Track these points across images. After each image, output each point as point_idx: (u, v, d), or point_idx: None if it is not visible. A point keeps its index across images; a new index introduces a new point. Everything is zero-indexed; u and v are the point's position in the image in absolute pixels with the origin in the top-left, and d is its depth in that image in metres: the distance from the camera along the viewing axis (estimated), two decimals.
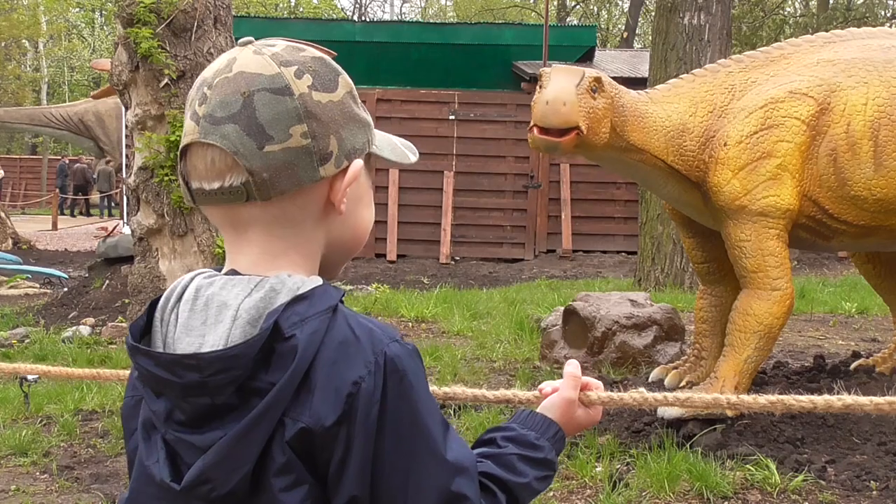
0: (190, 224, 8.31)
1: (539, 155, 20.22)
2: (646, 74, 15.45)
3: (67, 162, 44.28)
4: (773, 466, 5.48)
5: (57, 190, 39.51)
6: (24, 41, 52.77)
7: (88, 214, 39.21)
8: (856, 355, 7.54)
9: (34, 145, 57.17)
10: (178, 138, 8.35)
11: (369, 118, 1.79)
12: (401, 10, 69.14)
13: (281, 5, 57.58)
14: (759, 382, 6.60)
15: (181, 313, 1.63)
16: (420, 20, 56.79)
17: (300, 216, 1.68)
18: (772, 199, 5.80)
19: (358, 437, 1.54)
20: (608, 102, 5.74)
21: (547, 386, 2.08)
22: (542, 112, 5.56)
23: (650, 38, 17.77)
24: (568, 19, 51.27)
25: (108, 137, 31.70)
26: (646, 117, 5.96)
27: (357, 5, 63.68)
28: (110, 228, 22.73)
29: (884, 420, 5.96)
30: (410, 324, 10.84)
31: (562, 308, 8.63)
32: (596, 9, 55.74)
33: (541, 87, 5.71)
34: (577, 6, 53.62)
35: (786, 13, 32.82)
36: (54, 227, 30.55)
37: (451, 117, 20.37)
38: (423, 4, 69.40)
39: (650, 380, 6.72)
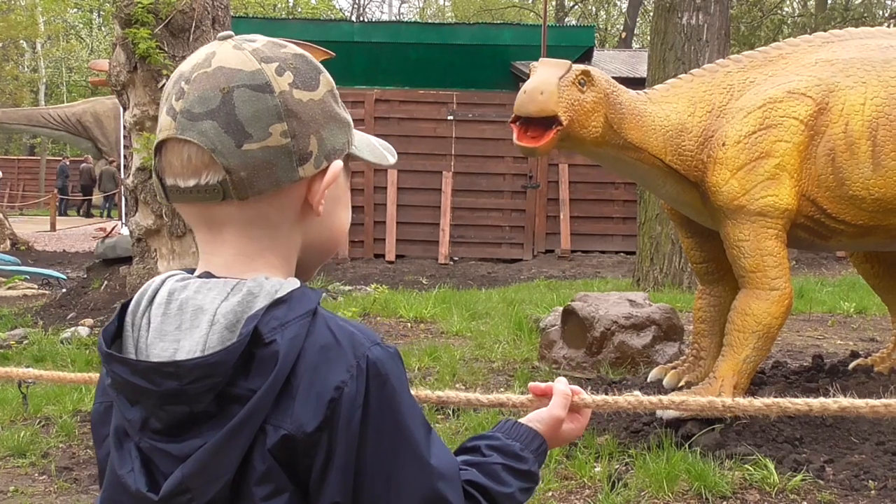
0: (189, 225, 8.32)
1: None
2: (644, 75, 15.45)
3: (68, 163, 44.24)
4: (771, 466, 5.48)
5: (55, 191, 39.50)
6: (21, 42, 52.77)
7: (89, 215, 39.13)
8: (854, 355, 7.54)
9: (32, 146, 57.17)
10: None
11: (349, 118, 1.73)
12: (399, 11, 69.17)
13: (279, 6, 57.56)
14: (757, 382, 6.61)
15: (153, 318, 1.59)
16: (418, 20, 56.78)
17: (277, 217, 1.65)
18: (770, 199, 5.80)
19: (340, 442, 1.52)
20: (599, 97, 5.73)
21: (538, 386, 2.08)
22: (519, 100, 5.58)
23: (648, 38, 17.77)
24: (566, 19, 51.27)
25: (107, 138, 31.72)
26: (644, 116, 5.97)
27: (355, 6, 63.72)
28: (109, 229, 22.73)
29: (882, 419, 5.96)
30: (409, 324, 10.84)
31: (560, 308, 8.62)
32: (594, 9, 55.74)
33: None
34: (576, 6, 53.62)
35: (784, 13, 32.81)
36: (52, 227, 30.54)
37: (450, 118, 20.37)
38: (421, 5, 69.44)
39: (649, 380, 6.72)
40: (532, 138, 5.60)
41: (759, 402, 2.12)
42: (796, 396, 2.21)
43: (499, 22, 43.22)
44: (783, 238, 5.91)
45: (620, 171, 6.64)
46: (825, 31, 6.57)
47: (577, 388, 2.10)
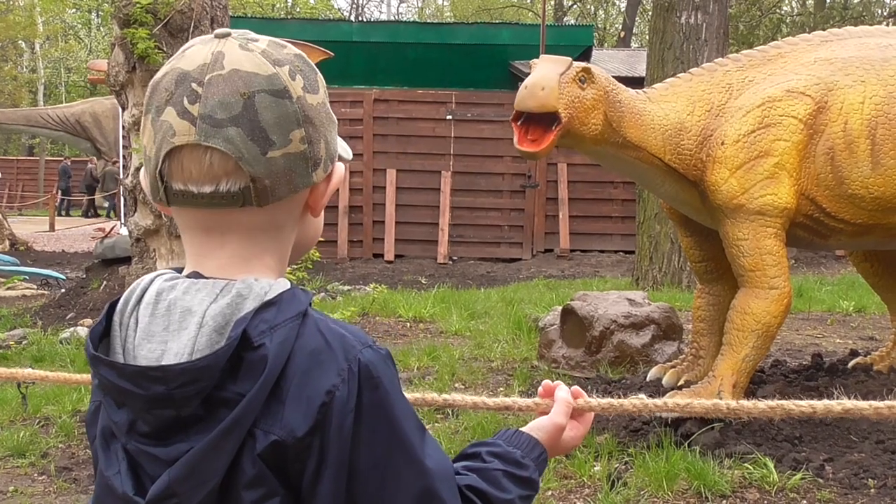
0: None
1: None
2: (643, 74, 15.45)
3: (70, 163, 44.19)
4: (771, 465, 5.48)
5: (54, 191, 39.48)
6: (20, 42, 52.74)
7: (96, 215, 39.05)
8: (853, 354, 7.55)
9: (31, 147, 57.17)
10: None
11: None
12: (398, 11, 69.17)
13: (277, 6, 57.56)
14: (757, 381, 6.61)
15: (141, 318, 1.57)
16: (417, 20, 56.77)
17: (284, 220, 1.64)
18: (769, 198, 5.80)
19: (332, 447, 1.51)
20: (599, 94, 5.74)
21: (548, 384, 2.08)
22: (519, 96, 5.58)
23: (647, 37, 17.77)
24: (565, 19, 51.26)
25: (105, 138, 31.71)
26: (643, 115, 5.97)
27: (354, 5, 63.67)
28: (108, 229, 22.73)
29: (882, 418, 5.96)
30: (408, 324, 10.84)
31: (560, 307, 8.62)
32: (593, 8, 55.75)
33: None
34: (574, 6, 53.62)
35: (783, 12, 32.82)
36: (51, 228, 30.53)
37: (449, 117, 20.36)
38: (419, 4, 69.43)
39: (648, 379, 6.72)
40: (532, 141, 5.61)
41: (764, 405, 2.12)
42: (796, 395, 2.22)
43: (497, 21, 43.18)
44: (782, 237, 5.91)
45: (619, 170, 6.65)
46: (824, 30, 6.57)
47: (578, 389, 2.09)
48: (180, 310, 1.54)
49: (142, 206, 8.54)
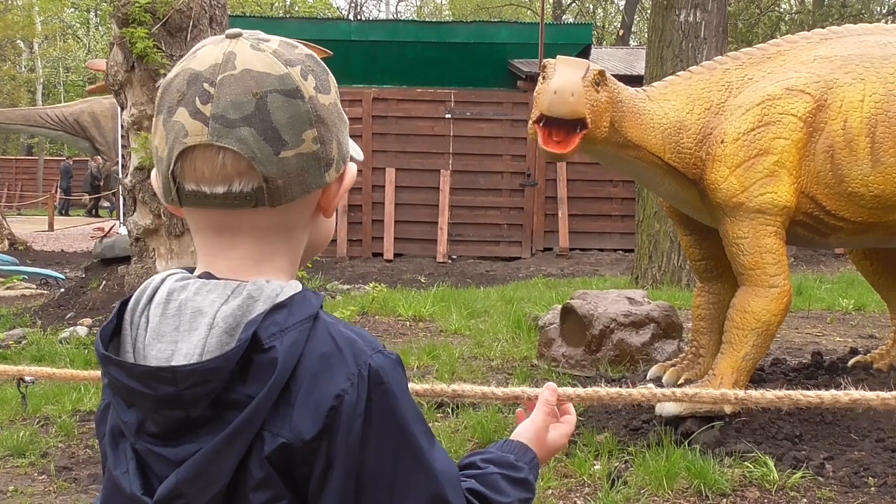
0: (187, 224, 8.31)
1: (535, 153, 20.19)
2: (642, 72, 15.44)
3: (71, 163, 44.12)
4: (771, 463, 5.48)
5: (53, 191, 39.47)
6: (18, 42, 52.71)
7: (97, 215, 38.98)
8: (853, 352, 7.55)
9: (30, 146, 57.14)
10: None
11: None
12: (396, 9, 69.12)
13: (276, 4, 57.54)
14: (756, 379, 6.61)
15: (152, 317, 1.57)
16: (416, 19, 56.76)
17: (296, 221, 1.65)
18: (769, 196, 5.80)
19: (340, 451, 1.51)
20: (610, 97, 5.75)
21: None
22: (549, 101, 5.53)
23: (646, 35, 17.77)
24: (564, 17, 51.26)
25: (104, 138, 31.69)
26: (643, 114, 5.96)
27: (353, 4, 63.62)
28: (107, 229, 22.73)
29: (881, 416, 5.97)
30: (408, 323, 10.84)
31: (559, 306, 8.62)
32: (592, 6, 55.74)
33: (544, 77, 5.71)
34: (573, 4, 53.62)
35: (781, 10, 32.82)
36: (50, 227, 30.51)
37: (448, 116, 20.36)
38: (418, 3, 69.39)
39: (648, 377, 6.72)
40: (557, 143, 5.61)
41: (771, 395, 2.12)
42: None
43: (496, 20, 43.17)
44: (782, 235, 5.91)
45: (619, 169, 6.64)
46: (823, 27, 6.57)
47: (553, 386, 2.07)
48: (191, 310, 1.54)
49: (141, 206, 8.54)
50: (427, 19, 56.65)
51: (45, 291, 15.53)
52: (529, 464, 1.89)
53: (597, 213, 20.53)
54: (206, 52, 1.59)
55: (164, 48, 8.53)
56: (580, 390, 2.14)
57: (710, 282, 6.57)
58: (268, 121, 1.54)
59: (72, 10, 59.17)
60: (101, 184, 37.34)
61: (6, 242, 22.81)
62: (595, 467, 5.71)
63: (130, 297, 1.64)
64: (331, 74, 1.68)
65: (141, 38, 8.47)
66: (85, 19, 61.48)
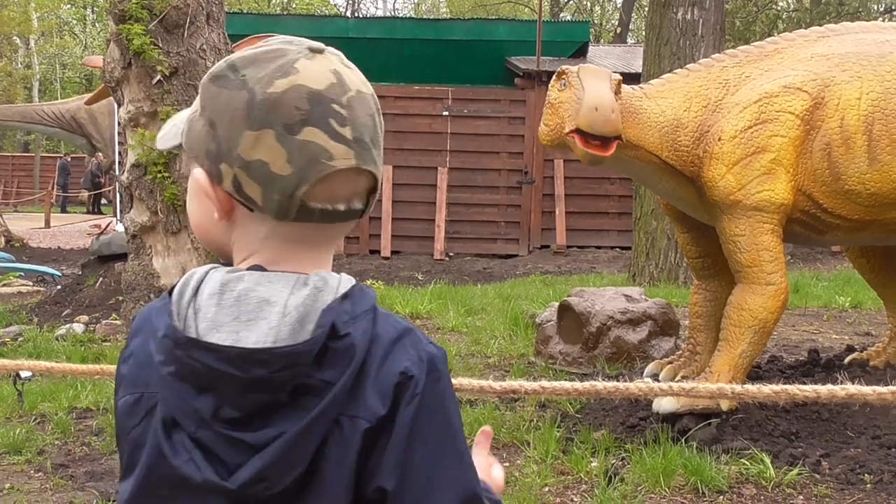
0: (184, 221, 8.30)
1: (533, 151, 20.22)
2: (639, 70, 15.44)
3: (69, 160, 44.02)
4: (767, 460, 5.49)
5: (50, 188, 39.39)
6: (15, 38, 52.68)
7: (99, 212, 38.86)
8: (850, 349, 7.56)
9: (26, 143, 57.12)
10: None
11: None
12: (394, 6, 69.08)
13: (274, 1, 57.51)
14: (753, 377, 6.61)
15: (205, 307, 1.57)
16: (413, 16, 56.75)
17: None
18: (766, 194, 5.81)
19: (398, 429, 1.56)
20: (622, 103, 5.82)
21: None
22: (590, 118, 5.61)
23: (644, 33, 17.76)
24: (561, 15, 51.26)
25: (101, 135, 31.72)
26: (640, 113, 5.97)
27: (350, 1, 63.62)
28: (104, 226, 22.71)
29: (877, 413, 5.97)
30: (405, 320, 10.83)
31: (556, 303, 8.63)
32: (589, 4, 55.73)
33: (566, 85, 5.78)
34: (571, 2, 53.62)
35: (779, 8, 32.81)
36: (47, 224, 30.49)
37: (445, 113, 20.35)
38: (416, 0, 69.34)
39: (645, 375, 6.72)
40: (596, 146, 5.69)
41: (769, 389, 2.13)
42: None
43: (493, 17, 43.16)
44: (779, 233, 5.91)
45: (617, 168, 6.65)
46: (820, 25, 6.57)
47: (487, 429, 2.04)
48: (255, 300, 1.56)
49: (138, 203, 8.54)
50: (424, 16, 56.66)
51: (41, 288, 15.51)
52: (494, 499, 1.92)
53: (594, 211, 20.52)
54: (311, 69, 1.60)
55: (160, 45, 8.52)
56: (577, 384, 2.15)
57: (707, 279, 6.58)
58: (380, 141, 1.64)
59: (68, 6, 59.15)
60: (102, 180, 37.29)
61: (2, 239, 22.78)
62: (592, 464, 5.72)
63: (172, 289, 1.64)
64: None
65: (138, 35, 8.47)
66: (82, 16, 61.43)
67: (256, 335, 1.54)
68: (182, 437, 1.56)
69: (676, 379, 6.38)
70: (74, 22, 61.95)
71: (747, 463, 5.51)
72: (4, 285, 15.67)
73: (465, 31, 23.87)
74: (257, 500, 1.55)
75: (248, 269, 1.63)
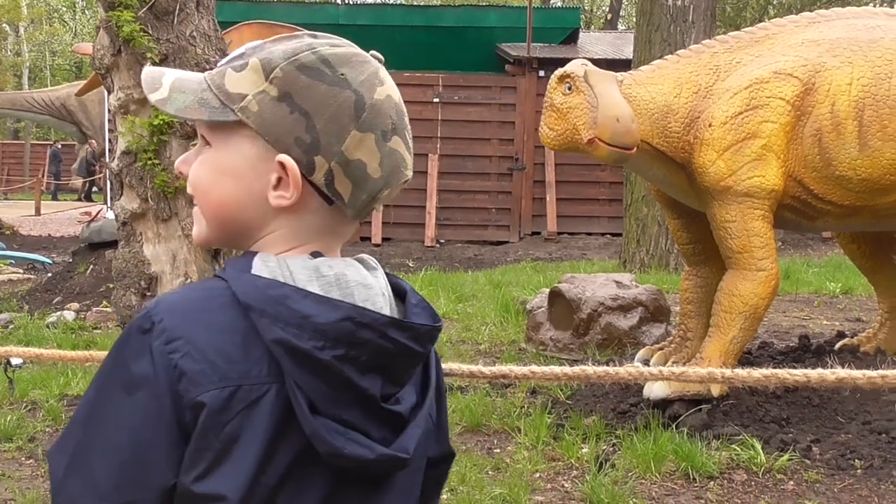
0: (174, 208, 8.26)
1: (524, 137, 20.21)
2: (630, 56, 15.43)
3: (60, 147, 43.82)
4: (758, 446, 5.50)
5: (40, 175, 39.25)
6: (4, 25, 52.50)
7: (90, 199, 38.67)
8: (840, 335, 7.57)
9: (16, 130, 56.93)
10: (161, 122, 8.29)
11: None
12: None
13: None
14: (744, 363, 6.62)
15: (326, 291, 1.62)
16: (403, 3, 56.63)
17: None
18: (757, 180, 5.81)
19: (439, 390, 1.78)
20: None
21: None
22: (613, 131, 5.69)
23: (634, 19, 17.75)
24: (552, 1, 51.20)
25: (91, 122, 31.61)
26: (630, 100, 5.97)
27: None
28: (94, 213, 22.66)
29: (868, 399, 5.99)
30: None
31: (547, 290, 8.64)
32: None
33: (572, 89, 5.83)
34: None
35: None
36: (37, 212, 30.41)
37: (436, 100, 20.33)
38: None
39: (636, 361, 6.73)
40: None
41: (759, 374, 2.13)
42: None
43: (484, 4, 43.08)
44: (770, 219, 5.92)
45: None
46: (811, 11, 6.57)
47: None
48: (354, 283, 1.63)
49: (128, 190, 8.51)
50: (415, 3, 56.55)
51: (32, 276, 15.48)
52: None
53: (585, 197, 20.50)
54: (389, 81, 1.71)
55: (150, 32, 8.47)
56: (567, 369, 2.15)
57: (697, 265, 6.58)
58: None
59: None
60: (97, 168, 37.16)
61: None
62: (583, 450, 5.73)
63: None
64: None
65: (127, 22, 8.41)
66: (71, 3, 61.17)
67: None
68: (323, 420, 1.56)
69: (667, 365, 6.39)
70: (64, 9, 61.70)
71: (738, 449, 5.53)
72: None
73: (455, 18, 23.83)
74: (411, 472, 1.70)
75: (311, 254, 1.68)
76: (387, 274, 1.73)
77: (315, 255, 1.66)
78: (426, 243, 19.82)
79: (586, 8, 53.09)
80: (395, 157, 1.67)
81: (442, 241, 20.17)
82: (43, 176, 39.02)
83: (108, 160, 14.84)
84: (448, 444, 1.85)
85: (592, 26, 47.79)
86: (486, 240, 20.32)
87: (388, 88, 1.68)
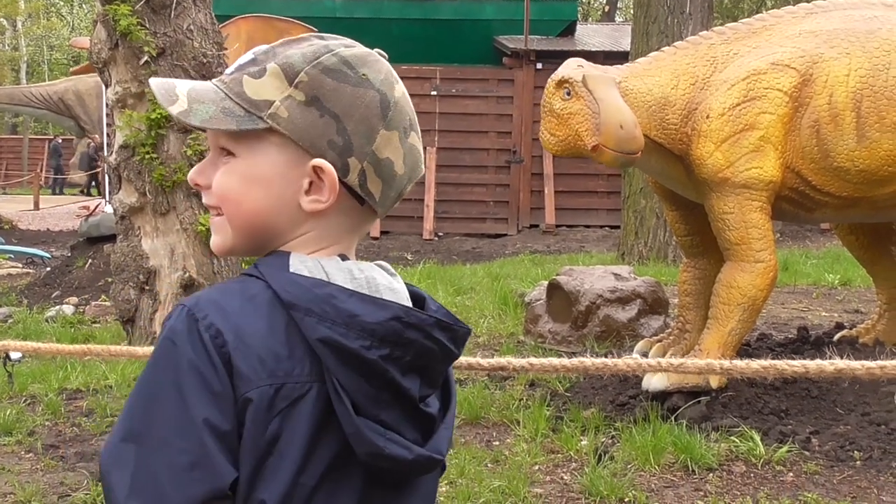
0: (172, 202, 8.26)
1: (521, 130, 20.20)
2: (627, 48, 15.40)
3: (60, 141, 43.70)
4: (757, 438, 5.50)
5: (39, 170, 39.20)
6: (2, 20, 52.44)
7: (88, 194, 38.58)
8: (839, 327, 7.57)
9: (14, 125, 56.87)
10: (158, 116, 8.29)
11: None
12: None
13: None
14: (743, 354, 6.62)
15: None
16: None
17: None
18: (755, 172, 5.80)
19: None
20: None
21: None
22: (618, 138, 5.69)
23: (632, 11, 17.74)
24: None
25: (89, 116, 31.55)
26: (627, 93, 5.97)
27: None
28: (92, 207, 22.64)
29: (867, 390, 5.99)
30: None
31: (545, 282, 8.63)
32: None
33: (571, 94, 5.84)
34: None
35: None
36: (36, 206, 30.38)
37: (433, 93, 20.32)
38: None
39: (634, 353, 6.73)
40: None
41: (757, 364, 2.13)
42: None
43: None
44: (768, 210, 5.92)
45: None
46: (808, 2, 6.56)
47: None
48: (383, 286, 1.63)
49: (126, 184, 8.50)
50: None
51: (30, 270, 15.48)
52: None
53: (583, 190, 20.50)
54: (400, 79, 1.74)
55: (147, 25, 8.47)
56: (566, 361, 2.16)
57: (696, 257, 6.58)
58: None
59: None
60: (98, 162, 37.06)
61: None
62: (582, 443, 5.73)
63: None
64: None
65: (124, 16, 8.40)
66: None
67: None
68: (364, 420, 1.55)
69: (666, 357, 6.39)
70: (61, 3, 61.67)
71: (737, 440, 5.53)
72: None
73: (452, 11, 23.80)
74: (433, 470, 1.70)
75: (340, 256, 1.69)
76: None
77: (342, 258, 1.66)
78: (424, 236, 19.82)
79: (583, 0, 53.03)
80: (414, 153, 1.70)
81: (440, 234, 20.16)
82: (41, 170, 38.98)
83: (106, 154, 14.83)
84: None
85: (590, 18, 47.77)
86: (484, 233, 20.32)
87: (402, 86, 1.70)
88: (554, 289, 8.22)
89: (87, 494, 5.22)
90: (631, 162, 5.92)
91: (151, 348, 1.74)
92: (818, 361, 2.07)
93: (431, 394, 1.64)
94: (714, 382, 5.94)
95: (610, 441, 5.75)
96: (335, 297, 1.55)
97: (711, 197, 5.94)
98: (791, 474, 5.23)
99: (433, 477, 1.73)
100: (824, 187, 5.95)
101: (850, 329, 7.24)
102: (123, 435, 1.51)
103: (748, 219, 5.83)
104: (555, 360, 2.17)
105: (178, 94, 1.64)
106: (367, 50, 1.70)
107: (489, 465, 5.49)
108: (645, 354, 6.57)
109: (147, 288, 8.37)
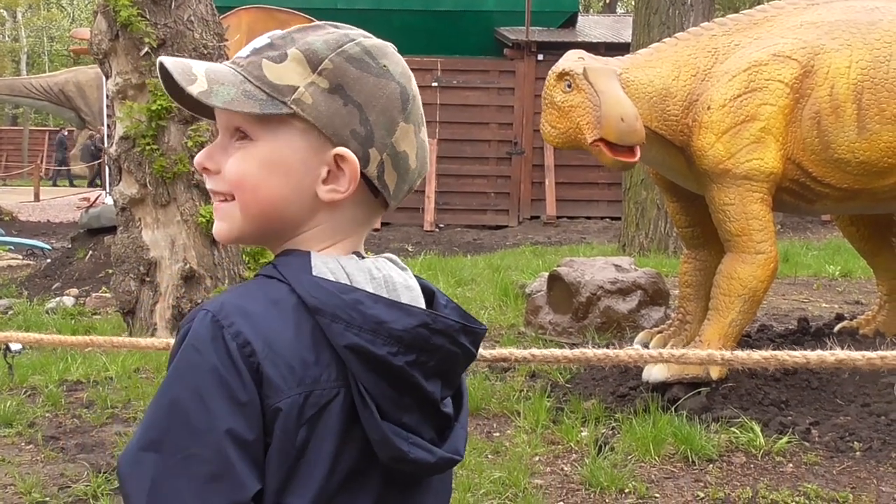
0: (172, 193, 8.26)
1: (522, 121, 20.19)
2: (629, 40, 15.38)
3: (66, 133, 43.64)
4: (757, 429, 5.50)
5: (39, 161, 39.19)
6: (2, 11, 52.41)
7: (93, 185, 38.51)
8: (839, 318, 7.57)
9: (15, 116, 56.87)
10: (159, 107, 8.29)
11: None
12: None
13: None
14: (743, 345, 6.62)
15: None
16: None
17: None
18: (755, 163, 5.80)
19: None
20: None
21: None
22: (619, 131, 5.64)
23: (633, 2, 17.71)
24: None
25: (90, 108, 31.60)
26: (628, 84, 5.96)
27: None
28: (93, 199, 22.64)
29: (867, 381, 5.99)
30: None
31: (546, 274, 8.64)
32: None
33: (572, 87, 5.81)
34: None
35: None
36: (36, 198, 30.39)
37: (434, 84, 20.31)
38: None
39: (635, 344, 6.73)
40: (623, 153, 5.74)
41: (758, 355, 2.13)
42: None
43: None
44: (768, 202, 5.91)
45: None
46: None
47: None
48: (400, 285, 1.64)
49: (127, 176, 8.50)
50: None
51: (31, 262, 15.49)
52: None
53: (584, 181, 20.50)
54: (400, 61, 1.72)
55: (148, 17, 8.47)
56: (567, 352, 2.16)
57: (696, 249, 6.58)
58: None
59: None
60: (102, 154, 37.00)
61: None
62: (582, 434, 5.73)
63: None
64: None
65: (125, 7, 8.40)
66: None
67: None
68: (389, 424, 1.55)
69: (666, 348, 6.39)
70: None
71: (737, 431, 5.53)
72: None
73: (453, 2, 23.77)
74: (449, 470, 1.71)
75: (353, 254, 1.68)
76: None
77: (357, 255, 1.66)
78: (425, 228, 19.82)
79: None
80: (423, 148, 1.70)
81: (441, 225, 20.17)
82: (42, 162, 38.95)
83: (107, 145, 14.83)
84: None
85: (591, 10, 47.69)
86: (485, 224, 20.32)
87: (415, 83, 1.69)
88: (555, 280, 8.22)
89: (87, 486, 5.23)
90: (629, 165, 5.90)
91: (153, 339, 1.73)
92: (819, 352, 2.06)
93: (450, 394, 1.65)
94: (714, 373, 5.94)
95: (610, 432, 5.75)
96: (362, 302, 1.53)
97: (712, 188, 5.93)
98: (791, 465, 5.23)
99: (447, 473, 1.73)
100: (825, 179, 5.95)
101: (851, 320, 7.24)
102: (144, 443, 1.47)
103: (749, 210, 5.83)
104: (556, 351, 2.17)
105: (196, 73, 1.59)
106: (384, 42, 1.68)
107: (489, 456, 5.50)
108: (645, 345, 6.57)
109: (147, 279, 8.38)
